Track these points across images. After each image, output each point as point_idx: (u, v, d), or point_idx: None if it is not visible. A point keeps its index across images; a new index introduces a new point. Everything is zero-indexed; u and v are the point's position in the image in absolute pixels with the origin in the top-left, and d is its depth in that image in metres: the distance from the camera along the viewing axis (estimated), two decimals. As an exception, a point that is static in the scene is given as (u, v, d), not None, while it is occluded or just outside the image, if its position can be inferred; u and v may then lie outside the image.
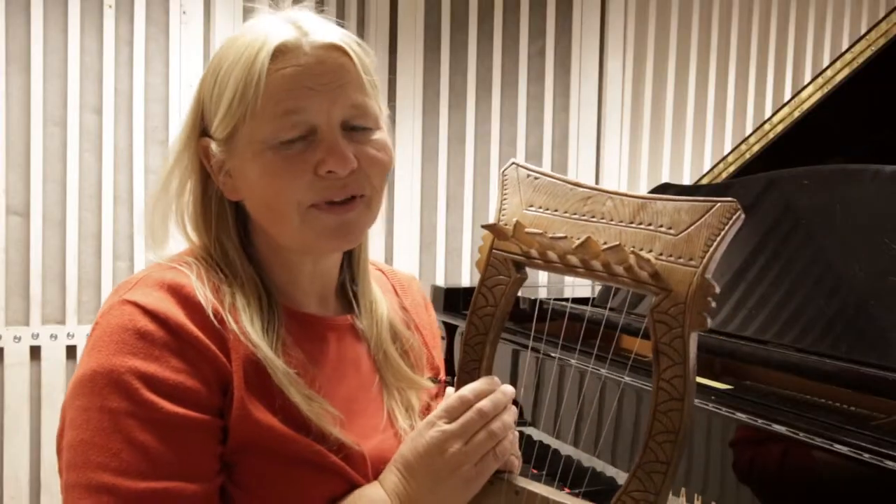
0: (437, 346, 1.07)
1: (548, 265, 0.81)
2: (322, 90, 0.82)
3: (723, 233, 0.73)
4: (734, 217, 0.73)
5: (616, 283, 0.78)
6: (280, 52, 0.81)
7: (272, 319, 0.85)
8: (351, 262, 0.98)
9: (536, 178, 0.85)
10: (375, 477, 0.86)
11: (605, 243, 0.77)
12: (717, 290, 0.73)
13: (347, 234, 0.85)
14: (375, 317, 0.96)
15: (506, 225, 0.83)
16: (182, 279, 0.82)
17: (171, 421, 0.76)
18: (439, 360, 1.06)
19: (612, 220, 0.78)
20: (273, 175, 0.82)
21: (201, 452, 0.77)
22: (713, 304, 0.73)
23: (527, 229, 0.81)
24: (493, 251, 0.85)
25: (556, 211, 0.82)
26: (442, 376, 1.05)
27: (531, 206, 0.84)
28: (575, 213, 0.81)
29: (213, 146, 0.85)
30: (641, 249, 0.76)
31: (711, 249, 0.73)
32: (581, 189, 0.81)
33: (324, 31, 0.84)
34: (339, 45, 0.83)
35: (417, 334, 1.01)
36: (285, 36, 0.82)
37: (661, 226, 0.76)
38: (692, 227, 0.74)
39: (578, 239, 0.77)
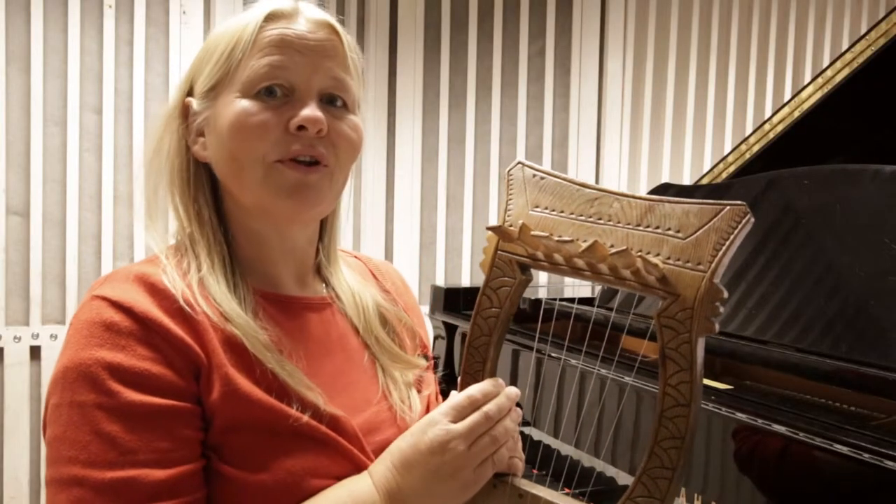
0: (421, 323, 1.09)
1: (554, 268, 0.80)
2: (308, 55, 0.85)
3: (732, 237, 0.72)
4: (744, 221, 0.72)
5: (623, 287, 0.77)
6: (274, 16, 0.86)
7: (238, 285, 0.86)
8: (324, 246, 0.99)
9: (542, 179, 0.84)
10: (372, 449, 0.86)
11: (611, 246, 0.76)
12: (726, 294, 0.72)
13: (305, 195, 0.85)
14: (361, 304, 0.97)
15: (511, 226, 0.83)
16: (150, 269, 0.83)
17: (137, 409, 0.76)
18: (426, 337, 1.08)
19: (619, 222, 0.78)
20: (245, 124, 0.83)
21: (170, 438, 0.77)
22: (721, 310, 0.72)
23: (533, 232, 0.80)
24: (498, 252, 0.84)
25: (562, 212, 0.81)
26: (430, 353, 1.06)
27: (537, 206, 0.83)
28: (581, 215, 0.80)
29: (194, 103, 0.88)
30: (649, 253, 0.75)
31: (720, 254, 0.72)
32: (588, 190, 0.80)
33: (319, 11, 0.88)
34: (332, 24, 0.87)
35: (402, 311, 1.03)
36: (282, 4, 0.86)
37: (669, 229, 0.75)
38: (700, 231, 0.73)
39: (585, 242, 0.77)
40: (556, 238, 0.79)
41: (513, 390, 0.84)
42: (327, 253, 0.99)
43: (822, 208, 1.44)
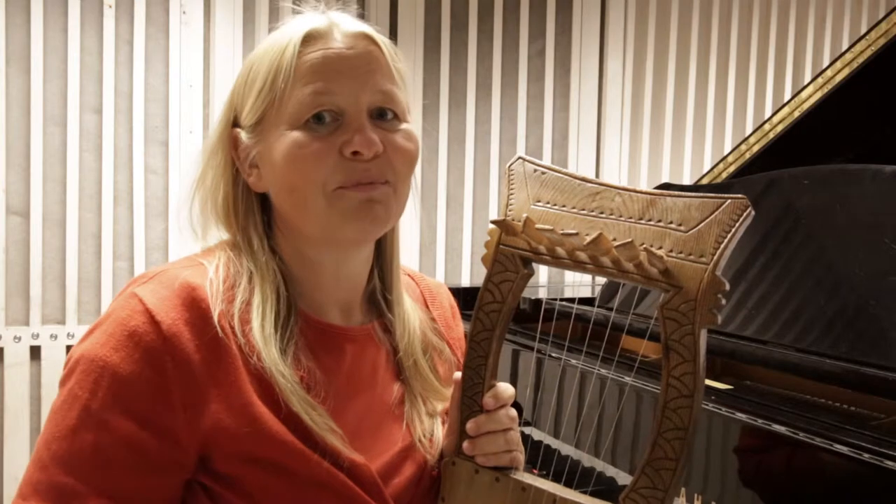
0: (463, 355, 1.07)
1: (556, 261, 0.81)
2: (351, 74, 0.82)
3: (733, 230, 0.73)
4: (745, 214, 0.73)
5: (625, 280, 0.78)
6: (311, 38, 0.83)
7: (287, 318, 0.84)
8: (383, 269, 0.96)
9: (543, 174, 0.84)
10: (391, 492, 0.85)
11: (614, 240, 0.76)
12: (727, 286, 0.73)
13: (372, 212, 0.83)
14: (408, 326, 0.95)
15: (514, 220, 0.83)
16: (197, 280, 0.81)
17: (114, 432, 0.76)
18: None
19: (621, 216, 0.78)
20: (299, 156, 0.81)
21: (127, 476, 0.76)
22: (723, 301, 0.73)
23: (537, 225, 0.80)
24: (500, 247, 0.84)
25: (563, 206, 0.81)
26: None
27: (539, 201, 0.83)
28: (583, 209, 0.80)
29: (243, 135, 0.86)
30: (651, 246, 0.76)
31: (722, 246, 0.73)
32: (589, 184, 0.81)
33: (354, 22, 0.86)
34: (369, 34, 0.85)
35: (445, 345, 1.01)
36: (317, 24, 0.84)
37: (671, 222, 0.76)
38: (702, 224, 0.74)
39: (589, 235, 0.77)
40: (560, 231, 0.79)
41: (508, 391, 0.86)
42: (387, 277, 0.96)
43: (822, 208, 1.44)
